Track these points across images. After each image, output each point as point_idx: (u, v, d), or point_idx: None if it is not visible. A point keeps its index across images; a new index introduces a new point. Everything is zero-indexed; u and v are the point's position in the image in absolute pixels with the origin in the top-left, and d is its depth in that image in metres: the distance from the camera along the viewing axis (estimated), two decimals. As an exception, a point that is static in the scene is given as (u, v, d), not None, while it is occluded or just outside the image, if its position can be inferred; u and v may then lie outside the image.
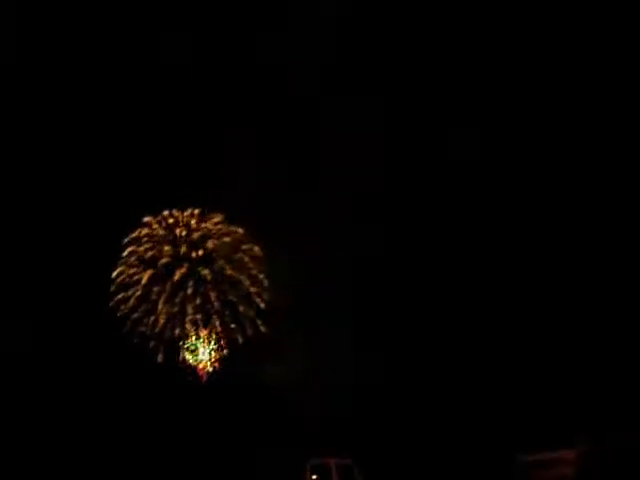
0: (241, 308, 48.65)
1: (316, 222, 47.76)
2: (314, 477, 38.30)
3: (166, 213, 49.82)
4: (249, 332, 48.59)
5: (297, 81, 49.87)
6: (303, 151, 49.30)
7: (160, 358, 47.69)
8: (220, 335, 48.44)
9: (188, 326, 47.99)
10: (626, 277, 45.12)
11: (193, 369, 48.40)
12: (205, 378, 48.54)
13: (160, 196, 48.79)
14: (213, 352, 48.39)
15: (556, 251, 46.93)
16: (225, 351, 48.64)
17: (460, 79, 49.55)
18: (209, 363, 48.46)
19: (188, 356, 48.43)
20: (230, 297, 48.79)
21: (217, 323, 48.32)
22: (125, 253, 48.96)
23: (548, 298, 46.10)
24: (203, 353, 48.30)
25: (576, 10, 47.75)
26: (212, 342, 48.39)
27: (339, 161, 48.74)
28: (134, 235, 49.25)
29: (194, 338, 48.16)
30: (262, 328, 48.53)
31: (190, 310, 48.16)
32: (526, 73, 48.98)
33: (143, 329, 47.92)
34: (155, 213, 49.73)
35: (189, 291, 48.27)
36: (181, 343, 48.30)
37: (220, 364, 48.66)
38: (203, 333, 48.05)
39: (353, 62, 49.86)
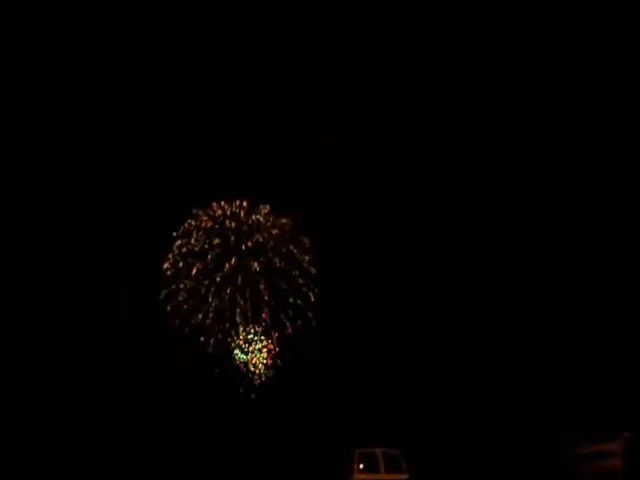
0: (290, 300, 48.24)
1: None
2: (361, 466, 38.76)
3: (215, 205, 49.58)
4: (299, 324, 48.20)
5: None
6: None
7: (210, 349, 47.34)
8: (270, 328, 47.92)
9: (238, 319, 47.62)
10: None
11: (243, 371, 47.95)
12: (259, 377, 47.99)
13: (209, 188, 48.72)
14: (264, 351, 47.84)
15: (558, 250, 47.06)
16: (277, 349, 48.17)
17: (460, 79, 49.61)
18: (262, 364, 47.95)
19: (239, 354, 48.00)
20: (280, 289, 48.32)
21: (265, 316, 47.81)
22: (174, 246, 48.76)
23: (554, 298, 46.41)
24: (254, 350, 47.79)
25: (576, 10, 47.86)
26: (262, 339, 47.86)
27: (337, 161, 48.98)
28: (184, 227, 49.02)
29: (244, 334, 47.69)
30: (313, 322, 48.21)
31: (240, 302, 47.72)
32: (526, 73, 49.07)
33: (192, 322, 47.69)
34: (204, 205, 49.53)
35: (238, 283, 47.81)
36: (229, 340, 47.95)
37: (272, 362, 48.21)
38: (256, 329, 47.53)
39: (352, 62, 49.97)
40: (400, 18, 50.04)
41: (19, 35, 48.91)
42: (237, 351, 47.83)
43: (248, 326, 47.69)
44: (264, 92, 49.92)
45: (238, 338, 47.86)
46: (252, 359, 47.88)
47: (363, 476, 38.64)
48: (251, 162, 49.12)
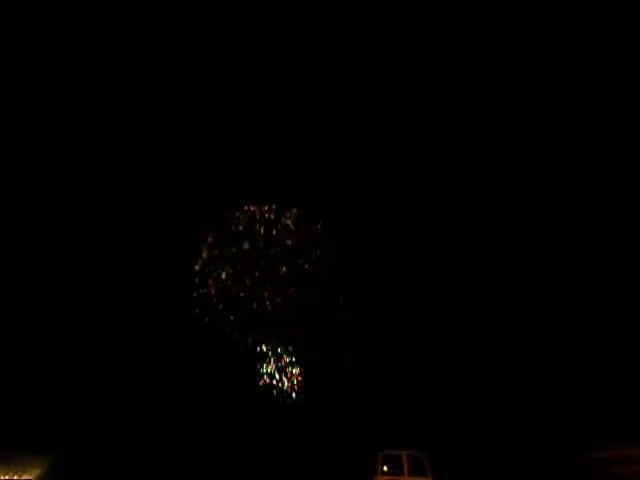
0: (320, 303, 47.61)
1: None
2: (385, 468, 38.73)
3: (245, 208, 49.26)
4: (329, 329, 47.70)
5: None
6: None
7: (241, 349, 46.70)
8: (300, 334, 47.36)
9: (268, 329, 47.07)
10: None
11: (273, 386, 47.34)
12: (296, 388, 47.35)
13: (240, 191, 48.53)
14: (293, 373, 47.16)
15: (558, 250, 47.07)
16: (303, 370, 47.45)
17: (460, 79, 49.65)
18: (294, 375, 47.36)
19: (265, 368, 47.46)
20: (309, 294, 47.78)
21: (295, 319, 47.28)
22: (205, 249, 48.45)
23: (554, 298, 46.36)
24: (289, 362, 47.17)
25: (576, 10, 47.92)
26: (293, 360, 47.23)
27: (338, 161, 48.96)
28: (214, 232, 48.70)
29: (273, 346, 47.18)
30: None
31: (269, 307, 47.22)
32: (526, 73, 49.12)
33: (222, 328, 47.23)
34: (234, 209, 49.23)
35: (268, 288, 47.37)
36: (258, 349, 47.48)
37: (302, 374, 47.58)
38: (288, 349, 46.96)
39: (352, 62, 49.98)
40: (400, 18, 50.12)
41: (19, 35, 48.96)
42: (265, 365, 47.13)
43: (278, 341, 47.07)
44: (264, 92, 49.95)
45: (265, 350, 47.31)
46: (281, 378, 47.17)
47: (386, 478, 38.57)
48: (251, 162, 49.14)
